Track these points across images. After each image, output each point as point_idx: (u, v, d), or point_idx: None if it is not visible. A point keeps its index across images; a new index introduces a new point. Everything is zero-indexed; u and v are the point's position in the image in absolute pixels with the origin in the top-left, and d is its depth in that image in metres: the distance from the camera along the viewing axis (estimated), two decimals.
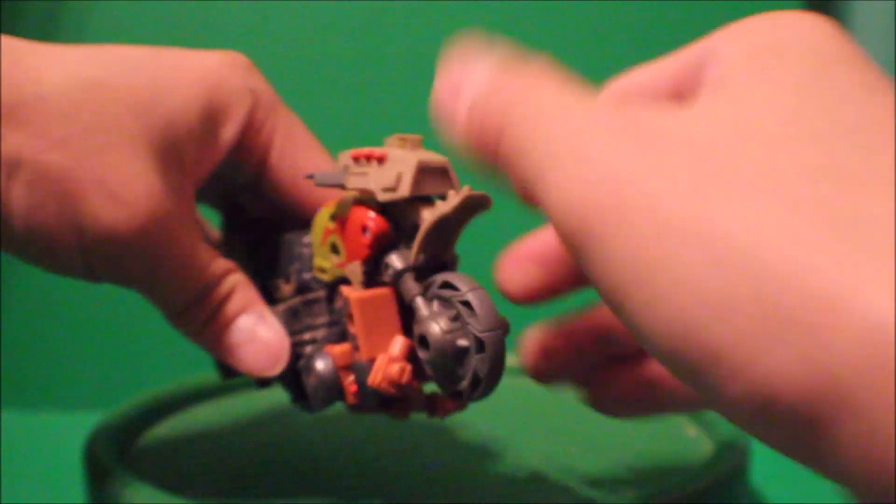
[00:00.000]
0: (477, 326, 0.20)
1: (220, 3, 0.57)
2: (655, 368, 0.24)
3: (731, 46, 0.17)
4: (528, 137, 0.17)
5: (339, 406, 0.36)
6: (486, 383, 0.20)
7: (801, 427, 0.12)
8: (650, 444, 0.32)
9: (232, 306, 0.25)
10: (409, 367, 0.21)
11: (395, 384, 0.21)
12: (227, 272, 0.25)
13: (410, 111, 0.58)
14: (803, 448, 0.12)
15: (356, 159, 0.22)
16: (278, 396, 0.38)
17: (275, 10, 0.58)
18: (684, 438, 0.32)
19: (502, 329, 0.20)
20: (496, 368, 0.20)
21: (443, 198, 0.21)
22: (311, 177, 0.24)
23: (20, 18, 0.56)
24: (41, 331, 0.54)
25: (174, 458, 0.30)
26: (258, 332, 0.25)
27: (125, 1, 0.57)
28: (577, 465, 0.29)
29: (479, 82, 0.19)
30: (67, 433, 0.34)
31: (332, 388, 0.23)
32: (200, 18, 0.57)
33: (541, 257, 0.24)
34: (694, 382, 0.13)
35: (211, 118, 0.25)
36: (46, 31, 0.56)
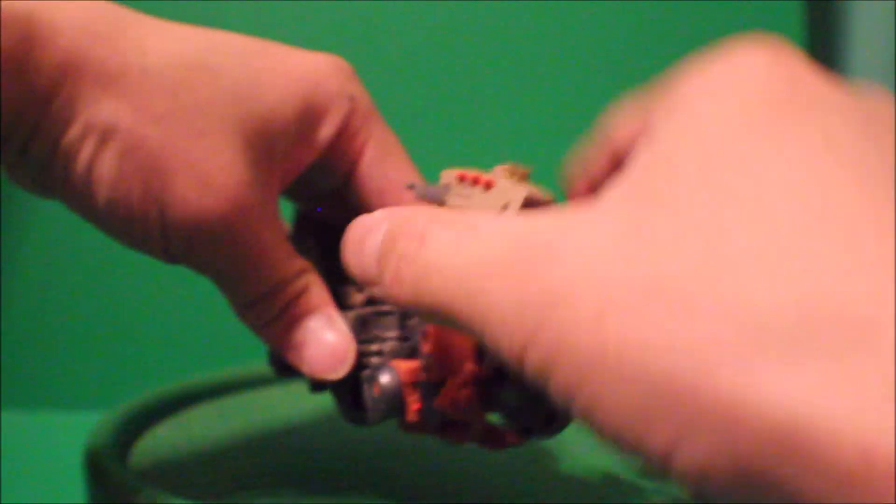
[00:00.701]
0: None
1: (220, 3, 0.57)
2: None
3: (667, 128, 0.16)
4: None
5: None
6: (560, 422, 0.21)
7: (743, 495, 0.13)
8: None
9: (303, 305, 0.25)
10: (476, 394, 0.21)
11: (464, 408, 0.21)
12: (302, 271, 0.26)
13: (407, 109, 0.58)
14: None
15: (461, 179, 0.22)
16: (278, 397, 0.38)
17: (276, 11, 0.58)
18: None
19: None
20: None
21: None
22: (411, 187, 0.24)
23: None
24: (41, 330, 0.54)
25: (174, 458, 0.30)
26: (326, 334, 0.25)
27: (125, 1, 0.57)
28: (577, 465, 0.29)
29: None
30: (67, 433, 0.34)
31: (394, 403, 0.23)
32: (200, 19, 0.57)
33: (586, 179, 0.24)
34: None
35: (307, 118, 0.26)
36: None
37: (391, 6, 0.58)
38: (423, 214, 0.18)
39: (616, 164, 0.22)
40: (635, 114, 0.21)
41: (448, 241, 0.17)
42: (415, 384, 0.23)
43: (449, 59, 0.59)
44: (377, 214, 0.19)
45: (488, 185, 0.21)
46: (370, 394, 0.24)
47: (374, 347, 0.25)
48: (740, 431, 0.12)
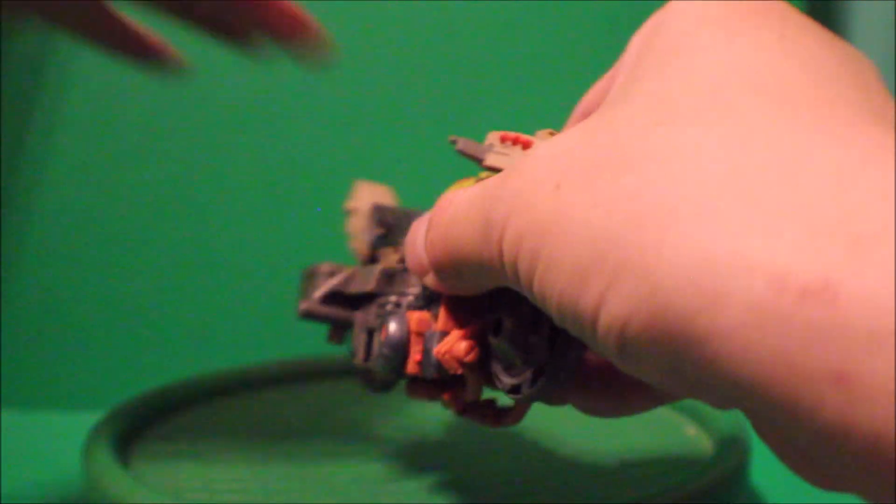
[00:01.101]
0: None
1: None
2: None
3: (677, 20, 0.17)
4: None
5: (337, 409, 0.36)
6: (549, 378, 0.19)
7: (663, 356, 0.13)
8: (649, 443, 0.32)
9: None
10: (476, 349, 0.21)
11: (460, 360, 0.21)
12: None
13: (408, 109, 0.58)
14: (675, 375, 0.13)
15: (503, 140, 0.22)
16: (277, 398, 0.38)
17: None
18: (683, 437, 0.33)
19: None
20: (562, 363, 0.19)
21: None
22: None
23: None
24: (41, 330, 0.54)
25: (174, 458, 0.30)
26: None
27: (125, 1, 0.57)
28: (577, 465, 0.29)
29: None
30: (67, 433, 0.34)
31: (398, 351, 0.22)
32: None
33: None
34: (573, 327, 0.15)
35: None
36: (46, 31, 0.56)
37: (391, 6, 0.58)
38: (453, 191, 0.19)
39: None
40: (605, 80, 0.22)
41: (463, 196, 0.19)
42: (421, 334, 0.22)
43: (449, 58, 0.59)
44: (425, 214, 0.20)
45: (526, 145, 0.22)
46: (378, 339, 0.23)
47: (394, 299, 0.24)
48: (659, 278, 0.13)
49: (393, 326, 0.23)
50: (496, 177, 0.18)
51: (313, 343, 0.55)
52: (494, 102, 0.59)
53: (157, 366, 0.53)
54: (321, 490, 0.28)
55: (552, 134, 0.22)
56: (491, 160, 0.22)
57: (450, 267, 0.19)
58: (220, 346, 0.58)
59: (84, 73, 0.57)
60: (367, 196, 0.30)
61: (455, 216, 0.19)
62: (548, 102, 0.59)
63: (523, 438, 0.32)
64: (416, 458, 0.31)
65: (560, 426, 0.33)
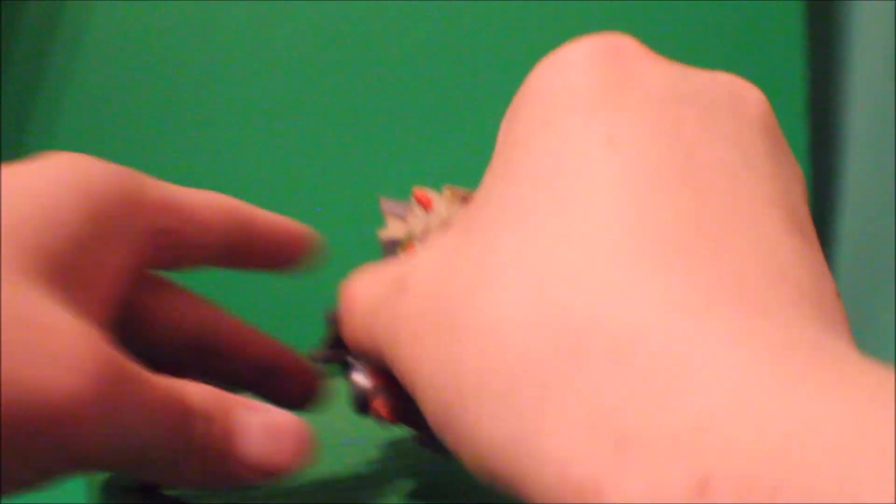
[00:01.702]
0: None
1: (220, 3, 0.57)
2: None
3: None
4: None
5: (339, 408, 0.37)
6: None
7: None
8: None
9: (223, 417, 0.20)
10: (392, 405, 0.23)
11: (385, 418, 0.23)
12: (191, 388, 0.20)
13: (412, 111, 0.58)
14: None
15: (417, 200, 0.24)
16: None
17: (276, 10, 0.58)
18: None
19: None
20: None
21: None
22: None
23: (20, 18, 0.56)
24: None
25: None
26: (277, 421, 0.21)
27: (125, 1, 0.57)
28: None
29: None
30: None
31: (360, 398, 0.24)
32: (200, 19, 0.57)
33: None
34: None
35: (97, 222, 0.20)
36: (46, 31, 0.56)
37: (391, 6, 0.58)
38: (352, 286, 0.21)
39: None
40: None
41: (358, 287, 0.20)
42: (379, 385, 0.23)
43: (448, 58, 0.59)
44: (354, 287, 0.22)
45: (427, 206, 0.23)
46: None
47: None
48: (477, 448, 0.14)
49: (355, 376, 0.24)
50: (386, 296, 0.19)
51: (314, 342, 0.55)
52: (495, 101, 0.59)
53: None
54: (322, 490, 0.28)
55: (451, 194, 0.23)
56: (409, 220, 0.24)
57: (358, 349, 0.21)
58: None
59: (84, 73, 0.57)
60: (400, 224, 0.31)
61: (357, 320, 0.20)
62: None
63: None
64: (418, 457, 0.31)
65: None
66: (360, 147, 0.59)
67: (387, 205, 0.24)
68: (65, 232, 0.18)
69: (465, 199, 0.23)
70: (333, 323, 0.27)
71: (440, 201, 0.23)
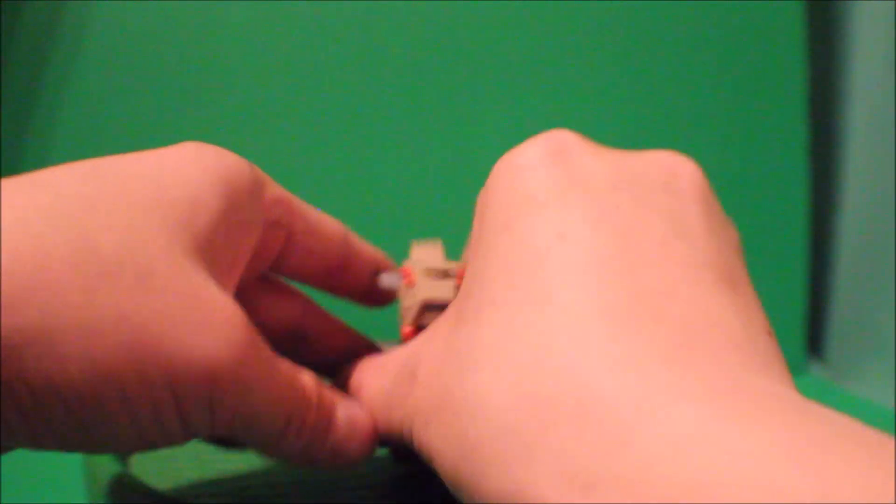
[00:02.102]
0: None
1: (219, 3, 0.57)
2: None
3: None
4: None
5: None
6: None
7: None
8: None
9: (326, 406, 0.23)
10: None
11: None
12: (308, 378, 0.23)
13: (408, 111, 0.58)
14: None
15: (404, 276, 0.26)
16: None
17: (276, 10, 0.58)
18: None
19: None
20: None
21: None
22: (377, 275, 0.27)
23: (20, 18, 0.56)
24: None
25: (174, 458, 0.30)
26: (356, 416, 0.23)
27: (125, 1, 0.57)
28: None
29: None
30: None
31: None
32: (200, 18, 0.57)
33: None
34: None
35: (234, 203, 0.22)
36: (46, 31, 0.56)
37: (391, 6, 0.58)
38: (356, 377, 0.24)
39: None
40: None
41: (366, 379, 0.23)
42: None
43: (448, 58, 0.59)
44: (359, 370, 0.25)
45: (410, 285, 0.25)
46: None
47: None
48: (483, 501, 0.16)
49: None
50: (395, 387, 0.21)
51: None
52: (493, 101, 0.59)
53: None
54: (323, 489, 0.28)
55: (427, 272, 0.25)
56: (402, 294, 0.26)
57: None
58: None
59: (84, 73, 0.57)
60: (421, 260, 0.32)
61: (374, 405, 0.23)
62: (548, 102, 0.59)
63: None
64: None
65: None
66: (360, 147, 0.59)
67: (384, 281, 0.26)
68: (211, 215, 0.20)
69: (441, 274, 0.25)
70: None
71: (421, 279, 0.25)
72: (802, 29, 0.59)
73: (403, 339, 0.25)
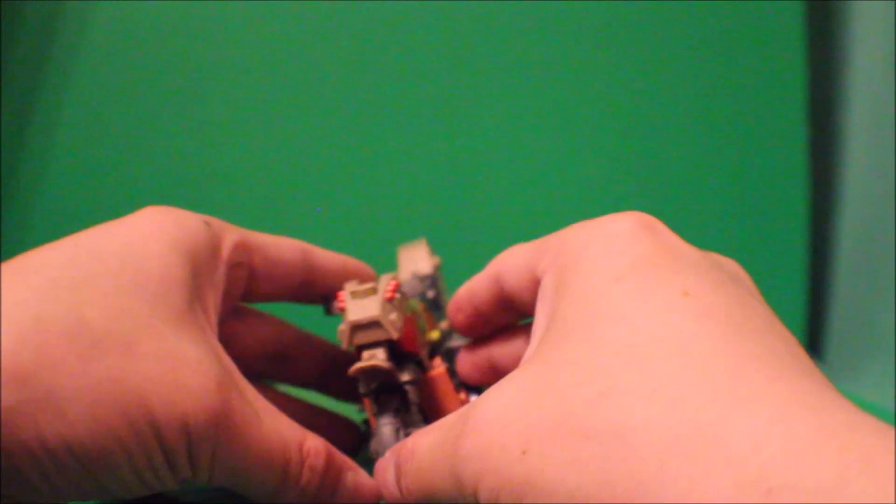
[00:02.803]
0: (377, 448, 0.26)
1: (219, 3, 0.57)
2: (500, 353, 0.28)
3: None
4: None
5: (341, 407, 0.36)
6: None
7: None
8: None
9: (335, 468, 0.25)
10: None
11: None
12: (303, 436, 0.25)
13: (406, 112, 0.58)
14: None
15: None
16: (279, 396, 0.38)
17: (276, 11, 0.58)
18: None
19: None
20: None
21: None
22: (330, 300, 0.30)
23: (20, 18, 0.56)
24: None
25: None
26: (363, 483, 0.25)
27: (125, 1, 0.57)
28: None
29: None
30: None
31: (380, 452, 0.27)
32: (200, 18, 0.57)
33: (470, 302, 0.28)
34: None
35: (199, 265, 0.25)
36: (46, 31, 0.56)
37: (391, 6, 0.58)
38: (410, 439, 0.23)
39: (499, 295, 0.27)
40: (522, 263, 0.25)
41: (424, 445, 0.22)
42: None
43: (448, 58, 0.59)
44: (386, 455, 0.24)
45: (343, 309, 0.26)
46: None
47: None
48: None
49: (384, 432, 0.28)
50: (449, 432, 0.21)
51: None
52: (493, 101, 0.59)
53: None
54: None
55: (353, 293, 0.26)
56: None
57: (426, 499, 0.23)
58: None
59: (84, 73, 0.57)
60: (409, 265, 0.33)
61: (421, 467, 0.22)
62: (547, 102, 0.59)
63: None
64: None
65: None
66: (359, 147, 0.59)
67: (332, 304, 0.28)
68: (180, 284, 0.23)
69: (367, 293, 0.26)
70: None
71: (349, 301, 0.26)
72: (802, 29, 0.59)
73: (355, 356, 0.27)
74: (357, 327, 0.26)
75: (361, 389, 0.27)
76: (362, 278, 0.31)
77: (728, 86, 0.60)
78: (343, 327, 0.26)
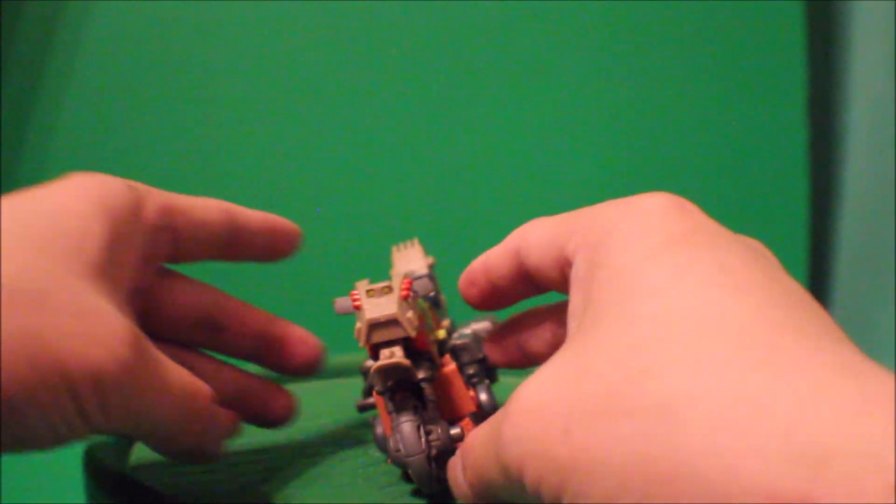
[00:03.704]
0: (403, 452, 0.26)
1: (219, 3, 0.57)
2: (532, 338, 0.28)
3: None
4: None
5: (341, 408, 0.37)
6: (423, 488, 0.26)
7: None
8: None
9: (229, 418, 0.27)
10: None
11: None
12: (205, 386, 0.26)
13: (405, 110, 0.59)
14: None
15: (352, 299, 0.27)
16: None
17: (276, 11, 0.58)
18: None
19: (424, 454, 0.26)
20: (421, 480, 0.26)
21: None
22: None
23: (20, 18, 0.56)
24: None
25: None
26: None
27: (125, 1, 0.57)
28: None
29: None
30: None
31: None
32: (200, 18, 0.57)
33: (486, 276, 0.27)
34: None
35: (117, 223, 0.25)
36: (46, 31, 0.56)
37: (391, 6, 0.58)
38: (470, 434, 0.24)
39: (517, 270, 0.26)
40: (547, 239, 0.25)
41: (478, 439, 0.23)
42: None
43: (448, 59, 0.59)
44: (456, 455, 0.24)
45: (357, 309, 0.26)
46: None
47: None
48: (681, 499, 0.16)
49: (378, 430, 0.29)
50: (495, 421, 0.21)
51: (322, 336, 0.55)
52: (493, 102, 0.59)
53: None
54: (324, 489, 0.28)
55: (368, 290, 0.26)
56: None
57: (488, 497, 0.23)
58: None
59: (84, 73, 0.57)
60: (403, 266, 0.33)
61: (476, 459, 0.23)
62: (547, 102, 0.59)
63: None
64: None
65: None
66: (359, 147, 0.59)
67: (339, 306, 0.28)
68: (98, 241, 0.24)
69: (383, 291, 0.26)
70: (367, 373, 0.31)
71: (364, 300, 0.26)
72: (802, 29, 0.59)
73: (369, 353, 0.27)
74: (375, 325, 0.26)
75: (378, 388, 0.27)
76: (285, 234, 0.31)
77: (728, 86, 0.60)
78: (360, 325, 0.26)
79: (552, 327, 0.28)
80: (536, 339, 0.28)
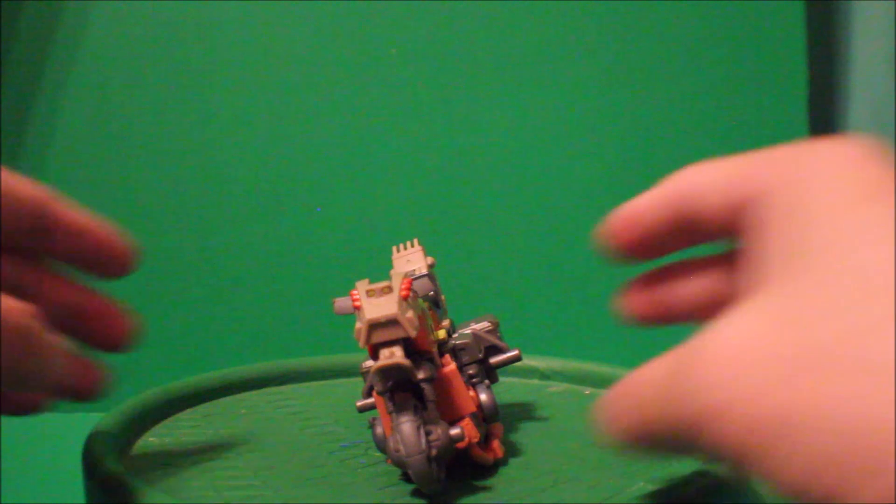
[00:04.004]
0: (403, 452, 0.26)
1: (219, 3, 0.57)
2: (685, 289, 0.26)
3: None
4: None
5: (341, 409, 0.36)
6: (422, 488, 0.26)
7: None
8: None
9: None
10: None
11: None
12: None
13: (405, 110, 0.59)
14: None
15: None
16: (276, 398, 0.38)
17: (276, 11, 0.58)
18: None
19: (424, 454, 0.25)
20: (421, 480, 0.26)
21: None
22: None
23: (20, 18, 0.56)
24: None
25: (174, 458, 0.30)
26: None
27: (125, 1, 0.57)
28: (575, 463, 0.29)
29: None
30: (67, 433, 0.34)
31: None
32: (200, 19, 0.57)
33: (638, 223, 0.25)
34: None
35: None
36: (46, 30, 0.56)
37: (391, 6, 0.58)
38: (626, 378, 0.22)
39: (676, 217, 0.24)
40: (723, 182, 0.24)
41: (647, 379, 0.21)
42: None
43: (448, 59, 0.59)
44: (604, 398, 0.23)
45: (357, 310, 0.26)
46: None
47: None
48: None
49: (377, 429, 0.29)
50: (678, 364, 0.20)
51: (314, 343, 0.56)
52: (492, 101, 0.59)
53: (157, 366, 0.53)
54: (324, 489, 0.28)
55: (369, 290, 0.26)
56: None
57: (648, 441, 0.22)
58: (221, 347, 0.58)
59: (84, 73, 0.57)
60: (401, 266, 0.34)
61: (643, 403, 0.21)
62: (547, 102, 0.59)
63: (521, 439, 0.32)
64: None
65: (558, 423, 0.33)
66: (360, 147, 0.59)
67: (338, 306, 0.28)
68: None
69: (383, 291, 0.26)
70: (367, 373, 0.30)
71: (365, 300, 0.26)
72: (802, 29, 0.59)
73: (369, 354, 0.27)
74: (375, 325, 0.26)
75: (378, 388, 0.27)
76: (111, 249, 0.30)
77: (728, 86, 0.60)
78: (360, 325, 0.26)
79: (713, 278, 0.26)
80: (689, 291, 0.26)
